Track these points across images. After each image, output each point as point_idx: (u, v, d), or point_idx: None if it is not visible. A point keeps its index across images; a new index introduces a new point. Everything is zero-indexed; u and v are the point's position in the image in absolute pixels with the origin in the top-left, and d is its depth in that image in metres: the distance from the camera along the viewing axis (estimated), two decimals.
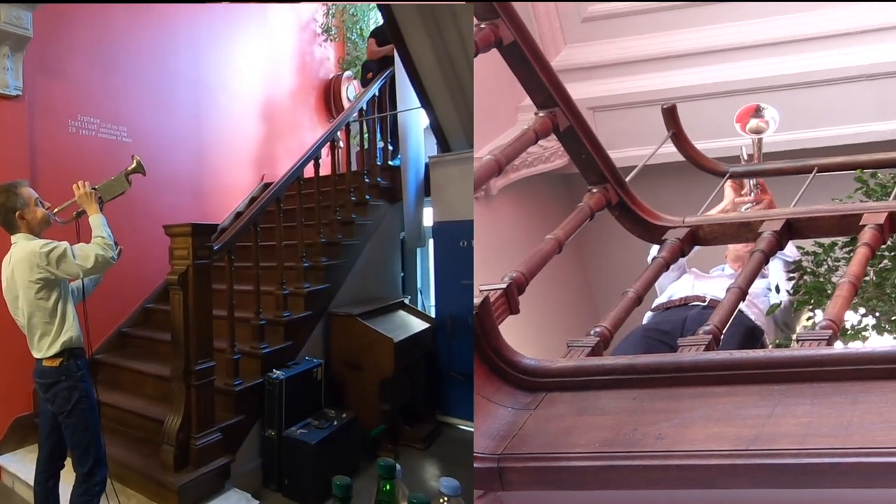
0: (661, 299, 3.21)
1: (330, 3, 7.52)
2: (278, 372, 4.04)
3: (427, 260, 6.13)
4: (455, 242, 5.05)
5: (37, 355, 3.04)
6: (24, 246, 2.97)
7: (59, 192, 3.23)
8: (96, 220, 3.10)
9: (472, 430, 4.75)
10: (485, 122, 4.50)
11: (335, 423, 4.05)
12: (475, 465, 1.75)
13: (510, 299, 2.05)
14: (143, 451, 3.73)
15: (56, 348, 2.99)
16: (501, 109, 4.59)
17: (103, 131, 5.01)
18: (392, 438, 4.50)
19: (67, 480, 3.15)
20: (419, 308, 5.68)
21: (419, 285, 6.24)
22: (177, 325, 3.61)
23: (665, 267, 2.51)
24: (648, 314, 3.17)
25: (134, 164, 3.30)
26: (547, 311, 4.18)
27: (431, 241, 5.66)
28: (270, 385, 3.99)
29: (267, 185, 5.64)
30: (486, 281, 2.07)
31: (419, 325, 5.10)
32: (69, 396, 3.01)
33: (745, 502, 1.61)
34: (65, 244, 2.96)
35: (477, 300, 1.92)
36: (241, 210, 5.86)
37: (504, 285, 2.05)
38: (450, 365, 5.00)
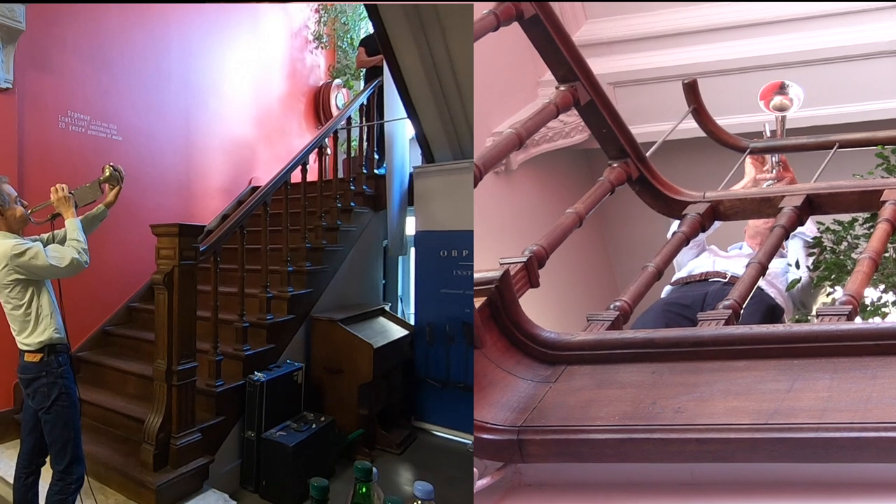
0: (680, 274, 3.19)
1: (322, 11, 7.50)
2: (260, 374, 4.01)
3: (408, 268, 6.13)
4: (436, 252, 5.05)
5: (21, 347, 3.00)
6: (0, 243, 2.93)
7: (46, 186, 3.18)
8: (72, 224, 3.07)
9: (445, 436, 4.75)
10: (505, 96, 4.47)
11: (314, 426, 4.04)
12: (493, 436, 1.73)
13: (530, 272, 2.06)
14: (123, 450, 3.69)
15: (36, 344, 2.96)
16: (522, 84, 4.57)
17: (93, 128, 4.96)
18: (369, 443, 4.50)
19: (47, 479, 3.10)
20: (399, 315, 5.67)
21: (400, 293, 6.24)
22: (160, 324, 3.58)
23: (685, 241, 2.50)
24: (668, 288, 3.15)
25: (107, 174, 3.26)
26: (566, 285, 4.13)
27: (413, 250, 5.66)
28: (251, 387, 3.96)
29: (254, 189, 5.61)
30: (506, 255, 2.07)
31: (398, 331, 5.10)
32: (49, 392, 2.97)
33: (764, 476, 1.60)
34: (37, 246, 2.93)
35: (497, 273, 1.90)
36: (227, 212, 5.83)
37: (524, 259, 2.05)
38: (426, 372, 5.00)
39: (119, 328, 5.02)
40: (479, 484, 1.68)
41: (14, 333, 3.01)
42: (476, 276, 1.92)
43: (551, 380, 1.87)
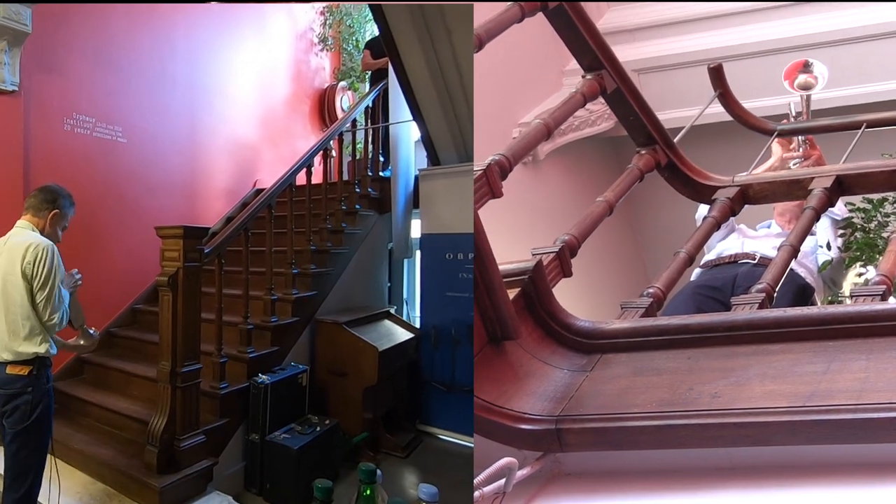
0: (709, 256, 3.21)
1: (327, 14, 7.53)
2: (264, 377, 4.03)
3: (414, 271, 6.15)
4: (441, 254, 5.06)
5: (3, 357, 2.84)
6: (31, 236, 2.91)
7: None
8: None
9: (451, 440, 4.75)
10: (529, 87, 4.50)
11: (318, 429, 4.05)
12: (531, 426, 1.75)
13: (563, 262, 2.09)
14: (127, 452, 3.71)
15: (29, 354, 2.83)
16: (546, 74, 4.60)
17: (98, 130, 4.99)
18: (373, 446, 4.51)
19: None
20: (404, 318, 5.68)
21: (405, 296, 6.27)
22: (164, 326, 3.59)
23: (716, 227, 2.54)
24: (697, 271, 3.17)
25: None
26: (596, 273, 4.13)
27: (418, 253, 5.67)
28: (256, 389, 3.98)
29: (259, 191, 5.63)
30: (536, 245, 2.09)
31: (404, 334, 5.12)
32: (31, 411, 2.81)
33: (803, 458, 1.61)
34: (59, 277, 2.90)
35: (529, 264, 1.92)
36: (232, 215, 5.86)
37: (556, 249, 2.08)
38: (431, 375, 5.01)
39: (123, 330, 5.04)
40: (520, 474, 1.69)
41: (1, 341, 2.85)
42: (508, 267, 1.94)
43: (587, 368, 1.90)
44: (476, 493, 1.61)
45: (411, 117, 5.39)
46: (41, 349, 2.86)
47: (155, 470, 3.41)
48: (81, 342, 3.14)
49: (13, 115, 4.39)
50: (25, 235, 2.94)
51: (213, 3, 6.14)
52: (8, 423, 2.84)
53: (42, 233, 2.98)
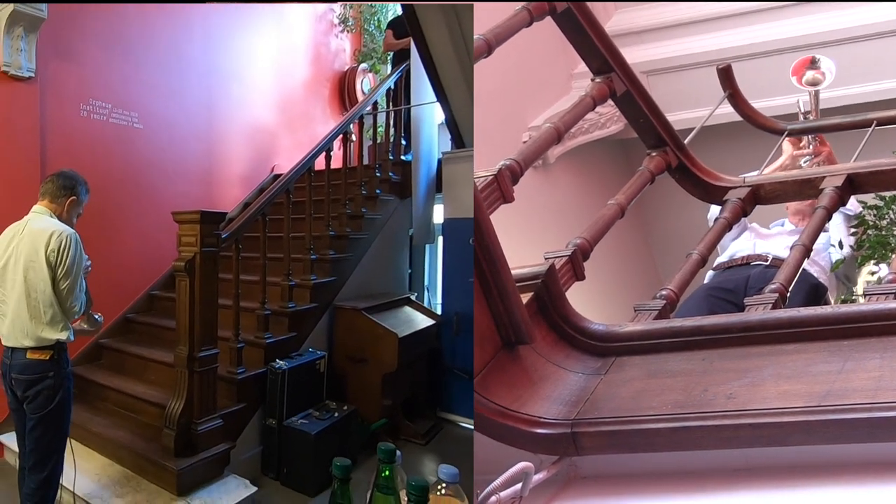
0: (722, 258, 3.27)
1: None
2: (281, 362, 4.14)
3: (435, 257, 6.22)
4: (465, 240, 5.12)
5: (24, 344, 2.93)
6: (53, 223, 3.00)
7: None
8: None
9: (472, 427, 4.83)
10: (538, 91, 4.58)
11: (336, 414, 4.16)
12: (547, 430, 1.81)
13: (575, 266, 2.14)
14: (144, 435, 3.83)
15: (50, 340, 2.93)
16: (555, 78, 4.68)
17: (114, 116, 5.11)
18: (392, 433, 4.60)
19: None
20: (425, 305, 5.76)
21: (426, 282, 6.33)
22: (182, 310, 3.69)
23: (728, 228, 2.60)
24: (710, 273, 3.24)
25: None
26: (607, 276, 4.20)
27: (440, 238, 5.73)
28: (273, 375, 4.09)
29: (277, 177, 5.71)
30: (548, 249, 2.15)
31: (424, 321, 5.20)
32: (53, 395, 2.91)
33: (819, 458, 1.65)
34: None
35: (542, 268, 1.99)
36: (249, 201, 5.92)
37: (569, 252, 2.14)
38: (453, 362, 5.09)
39: (140, 316, 5.18)
40: (536, 478, 1.73)
41: (22, 326, 2.94)
42: (521, 271, 1.98)
43: (602, 372, 1.95)
44: (493, 499, 1.67)
45: (435, 99, 5.44)
46: (62, 335, 2.95)
47: (172, 453, 3.53)
48: (85, 326, 3.22)
49: (29, 101, 4.51)
50: (46, 222, 3.02)
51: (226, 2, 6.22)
52: (30, 409, 2.94)
53: (59, 219, 3.06)
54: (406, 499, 1.34)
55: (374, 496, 1.38)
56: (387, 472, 1.38)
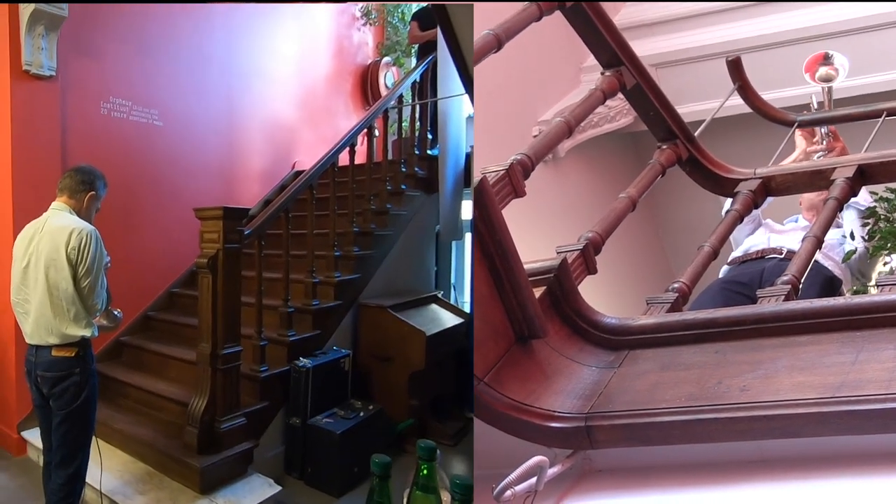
0: (736, 253, 3.34)
1: None
2: (305, 360, 4.22)
3: (462, 254, 6.25)
4: None
5: (49, 342, 3.03)
6: (72, 220, 3.09)
7: None
8: None
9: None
10: (547, 85, 4.64)
11: (361, 413, 4.23)
12: (561, 424, 1.85)
13: (587, 260, 2.19)
14: (166, 433, 3.94)
15: (76, 337, 3.03)
16: (564, 72, 4.75)
17: (135, 114, 5.25)
18: (420, 433, 4.62)
19: None
20: (452, 303, 5.78)
21: (453, 280, 6.35)
22: (204, 308, 3.77)
23: (739, 220, 2.64)
24: (725, 268, 3.30)
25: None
26: (619, 269, 4.27)
27: (468, 235, 5.79)
28: (297, 373, 4.17)
29: (298, 173, 5.78)
30: (560, 243, 2.20)
31: (452, 319, 5.22)
32: (79, 392, 3.02)
33: (833, 449, 1.68)
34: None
35: (554, 262, 2.04)
36: (270, 198, 6.03)
37: (581, 246, 2.19)
38: None
39: (161, 313, 5.30)
40: (550, 472, 1.77)
41: (47, 325, 3.04)
42: (533, 265, 2.03)
43: (615, 365, 2.00)
44: (508, 493, 1.70)
45: (463, 91, 5.48)
46: (87, 332, 3.06)
47: (195, 450, 3.63)
48: (104, 322, 3.31)
49: (50, 99, 4.66)
50: (66, 219, 3.11)
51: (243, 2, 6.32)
52: (57, 405, 3.04)
53: (79, 215, 3.16)
54: (448, 497, 1.37)
55: (413, 495, 1.40)
56: (426, 471, 1.39)
